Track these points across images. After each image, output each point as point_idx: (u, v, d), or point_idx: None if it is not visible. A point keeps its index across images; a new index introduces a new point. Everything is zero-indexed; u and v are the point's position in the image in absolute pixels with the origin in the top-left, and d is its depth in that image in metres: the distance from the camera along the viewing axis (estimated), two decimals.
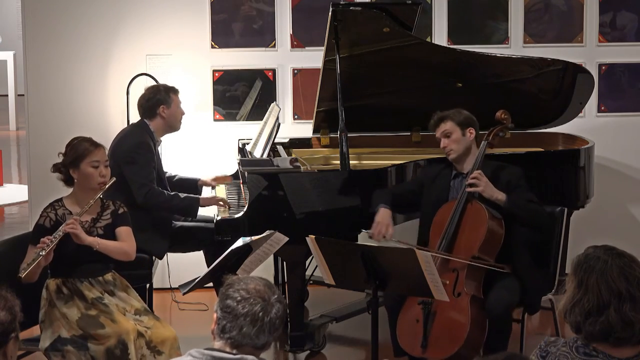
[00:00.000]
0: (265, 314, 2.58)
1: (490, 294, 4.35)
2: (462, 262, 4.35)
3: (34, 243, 4.26)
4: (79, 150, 4.33)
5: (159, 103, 5.23)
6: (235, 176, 5.65)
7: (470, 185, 4.47)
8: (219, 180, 5.55)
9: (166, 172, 5.49)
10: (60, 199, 4.40)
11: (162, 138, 5.35)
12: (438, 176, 4.75)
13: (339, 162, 4.98)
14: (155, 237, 5.06)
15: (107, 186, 4.34)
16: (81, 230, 4.21)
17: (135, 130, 5.26)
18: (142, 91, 5.37)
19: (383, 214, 4.63)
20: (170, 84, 5.39)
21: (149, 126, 5.23)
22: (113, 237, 4.37)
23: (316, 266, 4.18)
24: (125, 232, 4.41)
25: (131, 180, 5.03)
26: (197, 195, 5.24)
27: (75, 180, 4.35)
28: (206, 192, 5.53)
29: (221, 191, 5.50)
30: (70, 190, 4.43)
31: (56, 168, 4.40)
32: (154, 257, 5.14)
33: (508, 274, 4.43)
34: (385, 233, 4.59)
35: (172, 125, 5.32)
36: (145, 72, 6.05)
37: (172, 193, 5.13)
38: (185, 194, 5.17)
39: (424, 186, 4.78)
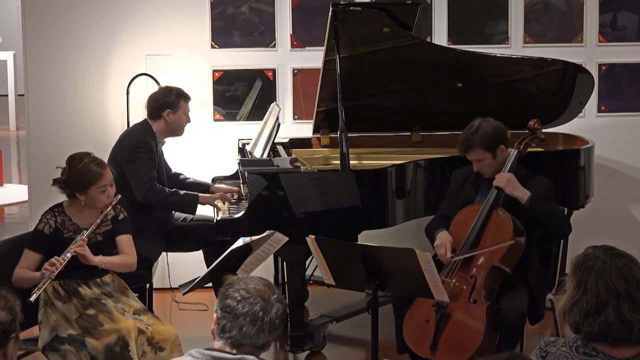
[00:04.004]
0: (265, 314, 2.58)
1: (503, 300, 4.31)
2: (481, 269, 4.30)
3: (31, 247, 4.27)
4: (87, 177, 4.28)
5: (166, 106, 5.22)
6: (235, 176, 5.65)
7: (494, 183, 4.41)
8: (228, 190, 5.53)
9: (181, 175, 5.50)
10: (60, 204, 4.39)
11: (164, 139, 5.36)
12: (468, 178, 4.67)
13: (339, 162, 4.97)
14: (152, 241, 5.05)
15: (112, 205, 4.36)
16: (89, 252, 4.21)
17: (137, 130, 5.27)
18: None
19: (441, 236, 4.46)
20: (174, 85, 5.39)
21: (151, 127, 5.24)
22: (113, 244, 4.39)
23: (316, 266, 4.18)
24: (126, 241, 4.41)
25: (131, 178, 5.04)
26: (196, 193, 5.22)
27: (83, 202, 4.34)
28: None
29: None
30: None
31: (56, 183, 4.36)
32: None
33: (517, 279, 4.38)
34: (448, 251, 4.41)
35: (175, 131, 5.32)
36: (145, 72, 6.05)
37: (172, 190, 5.14)
38: (185, 191, 5.18)
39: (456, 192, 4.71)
